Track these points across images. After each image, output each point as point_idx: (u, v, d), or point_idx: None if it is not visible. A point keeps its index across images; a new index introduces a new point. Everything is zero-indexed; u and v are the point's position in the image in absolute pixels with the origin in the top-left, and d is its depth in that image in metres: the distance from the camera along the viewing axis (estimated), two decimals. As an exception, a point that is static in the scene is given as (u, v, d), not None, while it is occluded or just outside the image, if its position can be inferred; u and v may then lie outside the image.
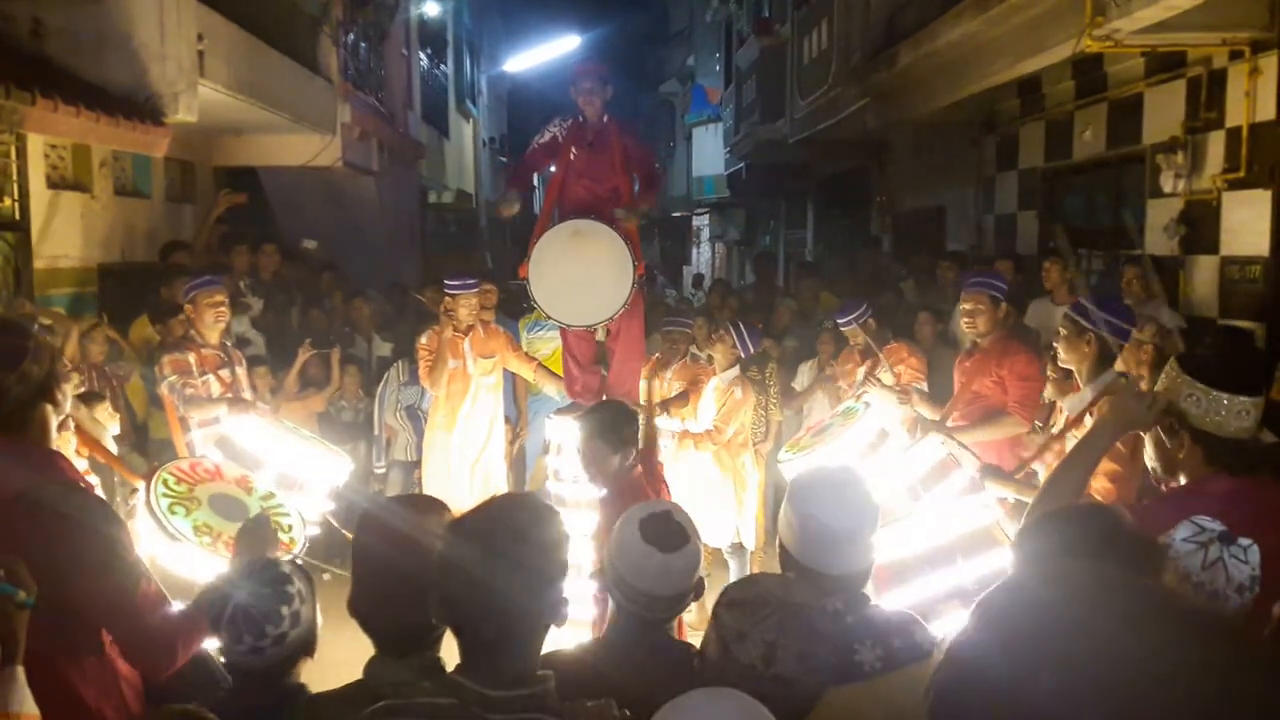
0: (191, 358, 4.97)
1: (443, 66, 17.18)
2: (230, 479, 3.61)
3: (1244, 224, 5.62)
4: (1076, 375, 3.91)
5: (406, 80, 13.55)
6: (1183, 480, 2.46)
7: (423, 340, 6.14)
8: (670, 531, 2.05)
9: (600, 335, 5.37)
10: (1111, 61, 6.69)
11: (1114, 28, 5.17)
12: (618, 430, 3.64)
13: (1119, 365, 4.43)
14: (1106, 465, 3.65)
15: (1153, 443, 2.53)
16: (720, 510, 5.79)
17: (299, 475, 4.14)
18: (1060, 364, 3.99)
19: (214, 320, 5.08)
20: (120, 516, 2.27)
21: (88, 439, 4.28)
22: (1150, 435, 2.53)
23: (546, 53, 23.44)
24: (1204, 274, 5.99)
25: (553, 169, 5.46)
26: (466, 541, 1.66)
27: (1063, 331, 3.88)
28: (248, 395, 5.17)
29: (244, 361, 5.39)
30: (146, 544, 3.12)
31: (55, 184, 6.57)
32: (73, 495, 2.17)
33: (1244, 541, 2.03)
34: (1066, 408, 3.91)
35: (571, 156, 5.24)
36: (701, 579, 2.12)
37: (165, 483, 3.36)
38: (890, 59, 8.27)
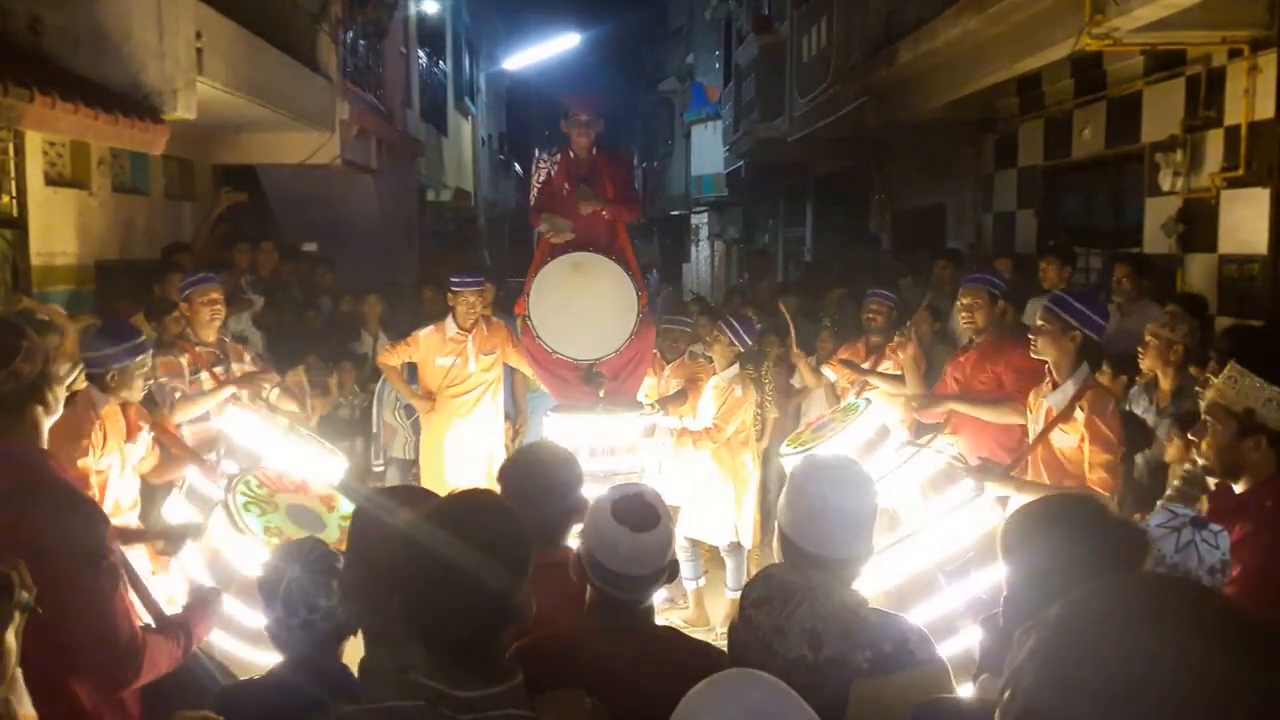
0: (184, 358, 4.97)
1: (441, 64, 17.16)
2: (315, 495, 3.77)
3: (1243, 222, 5.62)
4: (1053, 370, 3.90)
5: (405, 78, 13.53)
6: (1242, 484, 2.41)
7: (420, 333, 6.13)
8: (642, 512, 2.06)
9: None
10: (1110, 60, 6.68)
11: (1113, 26, 5.16)
12: None
13: (1144, 364, 4.42)
14: (1102, 456, 3.66)
15: (1214, 444, 2.45)
16: (719, 509, 5.79)
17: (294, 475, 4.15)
18: (1034, 355, 3.96)
19: (209, 318, 5.08)
20: (107, 519, 2.24)
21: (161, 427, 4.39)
22: (1210, 435, 2.46)
23: (545, 51, 23.50)
24: (1202, 272, 5.99)
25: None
26: (430, 548, 1.66)
27: (1046, 327, 3.86)
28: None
29: (245, 358, 5.37)
30: (215, 536, 3.31)
31: (53, 181, 6.56)
32: (54, 508, 2.12)
33: (1214, 527, 2.11)
34: (1050, 402, 3.91)
35: (564, 193, 5.25)
36: (676, 560, 2.14)
37: (247, 483, 3.59)
38: (889, 57, 8.26)
